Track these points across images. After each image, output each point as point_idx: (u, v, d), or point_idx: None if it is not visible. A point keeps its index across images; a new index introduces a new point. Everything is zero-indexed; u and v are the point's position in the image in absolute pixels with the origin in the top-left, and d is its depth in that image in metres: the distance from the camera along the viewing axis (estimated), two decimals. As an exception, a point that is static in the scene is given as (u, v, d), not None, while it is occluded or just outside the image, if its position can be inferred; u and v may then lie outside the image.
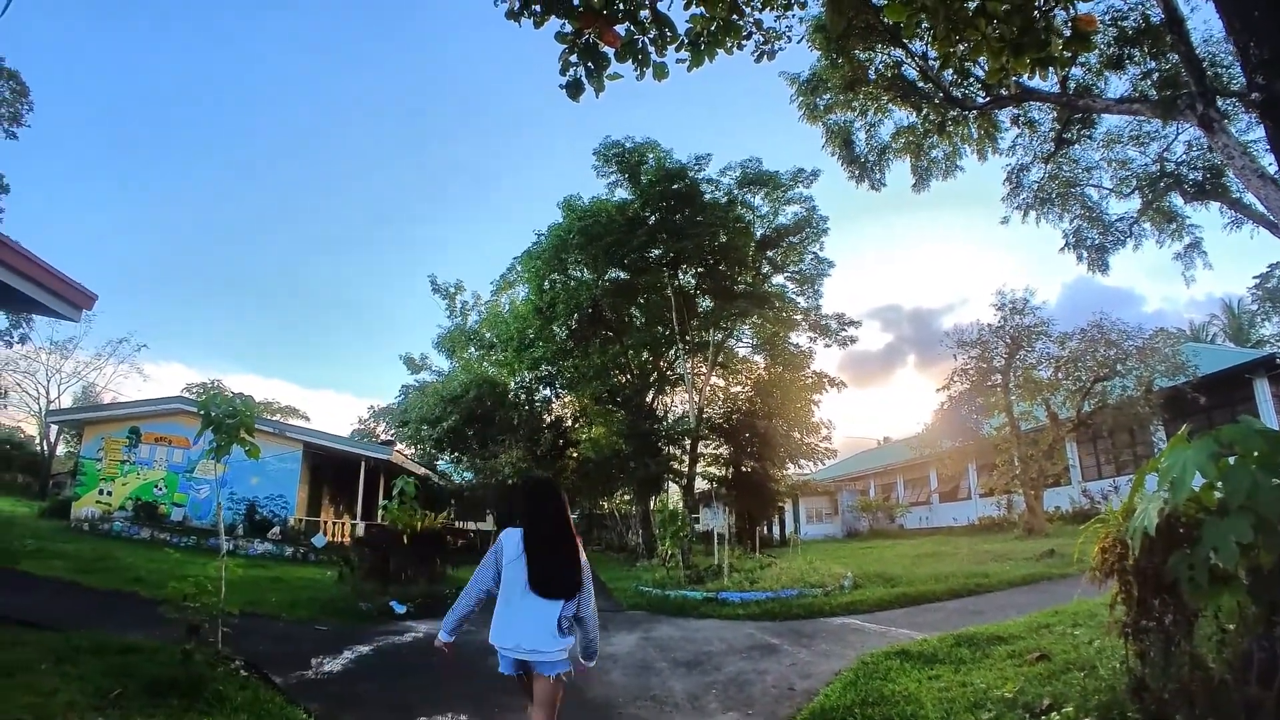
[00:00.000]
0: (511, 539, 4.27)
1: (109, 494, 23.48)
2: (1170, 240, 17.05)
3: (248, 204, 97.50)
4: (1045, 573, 12.90)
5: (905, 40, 14.19)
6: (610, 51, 5.25)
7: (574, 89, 5.38)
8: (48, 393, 42.79)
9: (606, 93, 5.32)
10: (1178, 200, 16.53)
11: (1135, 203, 16.99)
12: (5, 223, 29.37)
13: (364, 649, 8.75)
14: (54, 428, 38.95)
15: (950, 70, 15.18)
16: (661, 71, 5.46)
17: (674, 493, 29.04)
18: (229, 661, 6.28)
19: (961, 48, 5.18)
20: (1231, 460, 3.06)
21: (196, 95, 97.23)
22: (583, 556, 4.29)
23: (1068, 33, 4.87)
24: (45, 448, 41.59)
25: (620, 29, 5.22)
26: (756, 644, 8.97)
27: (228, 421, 6.75)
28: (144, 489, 23.52)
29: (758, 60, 9.87)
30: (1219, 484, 3.13)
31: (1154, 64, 14.06)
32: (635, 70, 5.40)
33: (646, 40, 5.25)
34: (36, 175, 70.87)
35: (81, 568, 13.82)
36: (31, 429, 44.75)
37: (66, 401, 43.17)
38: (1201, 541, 3.11)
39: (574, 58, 5.29)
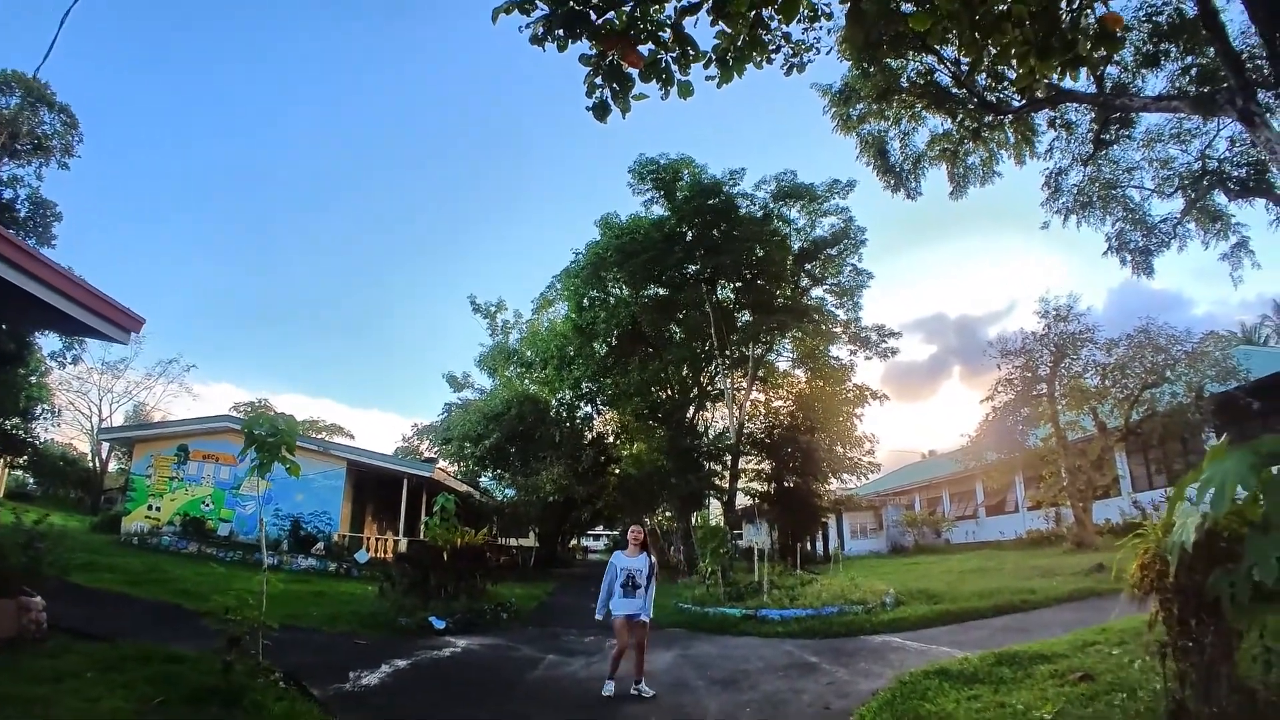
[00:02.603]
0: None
1: (158, 509, 24.05)
2: (1216, 240, 16.62)
3: (296, 230, 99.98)
4: (1094, 588, 12.55)
5: (935, 46, 14.06)
6: (634, 72, 5.27)
7: (600, 110, 5.41)
8: (100, 411, 44.12)
9: (644, 111, 5.34)
10: (1222, 199, 16.11)
11: (1178, 203, 16.62)
12: (63, 250, 30.45)
13: (401, 663, 8.80)
14: (105, 445, 40.10)
15: (983, 75, 15.00)
16: (686, 90, 5.46)
17: (716, 509, 28.86)
18: (269, 672, 6.37)
19: (990, 53, 5.12)
20: (1276, 471, 2.93)
21: (248, 130, 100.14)
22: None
23: (1094, 32, 4.79)
24: (97, 464, 42.75)
25: (644, 49, 5.24)
26: (795, 662, 8.86)
27: (269, 440, 6.89)
28: (192, 505, 24.05)
29: (787, 73, 9.86)
30: (1262, 497, 3.01)
31: (1191, 59, 13.73)
32: (660, 90, 5.42)
33: (670, 59, 5.26)
34: (99, 204, 73.38)
35: (131, 580, 14.14)
36: (84, 446, 46.00)
37: (118, 420, 44.38)
38: (1244, 557, 2.99)
39: (599, 79, 5.32)
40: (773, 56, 10.07)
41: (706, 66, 5.82)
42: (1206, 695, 3.31)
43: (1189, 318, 78.58)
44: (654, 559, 7.73)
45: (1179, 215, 16.73)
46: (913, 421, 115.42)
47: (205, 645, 6.94)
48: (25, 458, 34.34)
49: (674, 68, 5.34)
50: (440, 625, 11.70)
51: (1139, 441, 22.65)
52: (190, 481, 24.57)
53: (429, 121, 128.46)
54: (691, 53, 5.27)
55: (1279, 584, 2.81)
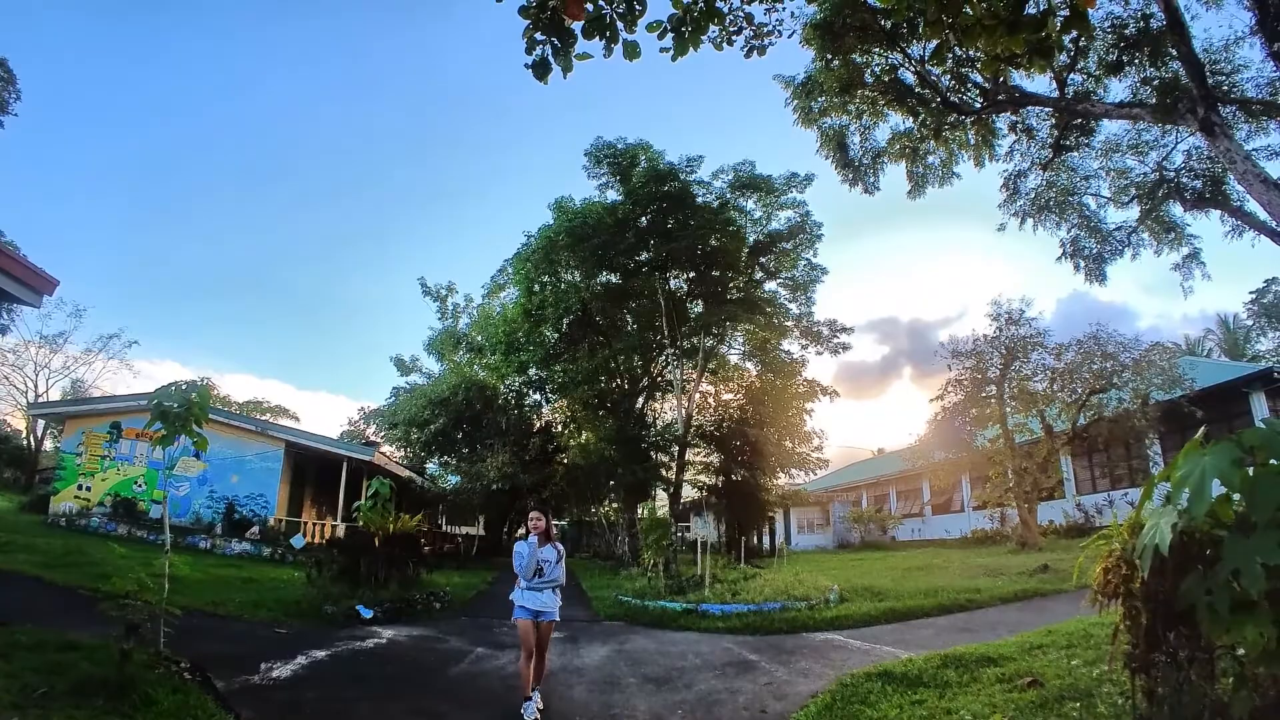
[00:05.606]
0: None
1: (88, 489, 23.01)
2: (1168, 250, 16.86)
3: (247, 207, 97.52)
4: (1038, 588, 12.54)
5: (901, 41, 13.93)
6: (577, 27, 4.92)
7: (540, 69, 5.06)
8: (36, 387, 42.25)
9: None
10: (1176, 210, 16.32)
11: (1134, 212, 16.82)
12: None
13: (320, 654, 8.31)
14: (41, 421, 38.43)
15: (947, 75, 14.94)
16: (632, 50, 5.12)
17: (663, 501, 28.62)
18: (173, 663, 5.97)
19: (957, 30, 4.87)
20: (1251, 469, 2.64)
21: (200, 102, 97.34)
22: None
23: (1065, 13, 4.57)
24: (32, 442, 41.01)
25: (589, 6, 4.89)
26: (733, 660, 8.57)
27: (175, 411, 6.40)
28: (123, 485, 23.05)
29: (747, 55, 9.55)
30: (1236, 497, 2.73)
31: (1153, 71, 13.84)
32: (604, 48, 5.06)
33: (614, 13, 4.90)
34: (42, 172, 70.58)
35: (48, 563, 13.41)
36: (20, 423, 44.12)
37: (55, 396, 42.54)
38: (1222, 562, 2.70)
39: (539, 34, 4.96)
40: (734, 38, 9.79)
41: (661, 37, 5.48)
42: (1178, 714, 3.01)
43: (1134, 330, 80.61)
44: (561, 549, 6.75)
45: (1134, 224, 16.90)
46: (862, 420, 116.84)
47: (111, 633, 6.48)
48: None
49: (620, 25, 5.00)
50: (368, 614, 11.19)
51: (1084, 445, 23.01)
52: (122, 460, 23.53)
53: (381, 99, 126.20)
54: (638, 7, 4.91)
55: (1259, 593, 2.51)
